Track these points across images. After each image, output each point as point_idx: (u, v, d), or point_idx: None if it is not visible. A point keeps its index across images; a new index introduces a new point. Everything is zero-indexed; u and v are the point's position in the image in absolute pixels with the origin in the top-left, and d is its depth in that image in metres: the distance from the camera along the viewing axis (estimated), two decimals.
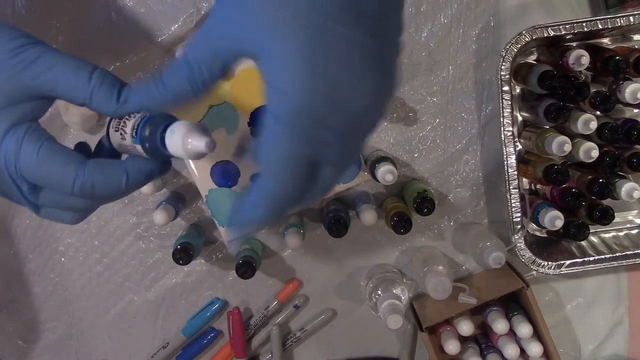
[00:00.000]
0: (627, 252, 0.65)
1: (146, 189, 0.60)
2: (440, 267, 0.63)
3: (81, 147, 0.39)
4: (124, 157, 0.38)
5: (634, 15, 0.59)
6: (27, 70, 0.34)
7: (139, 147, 0.35)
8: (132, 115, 0.36)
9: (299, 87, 0.29)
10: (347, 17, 0.29)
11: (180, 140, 0.33)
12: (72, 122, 0.63)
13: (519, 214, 0.63)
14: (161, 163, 0.37)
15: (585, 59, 0.59)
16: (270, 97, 0.30)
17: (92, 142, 0.39)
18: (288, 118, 0.29)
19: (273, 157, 0.31)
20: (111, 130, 0.37)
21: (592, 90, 0.60)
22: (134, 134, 0.35)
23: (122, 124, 0.36)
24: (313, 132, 0.30)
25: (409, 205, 0.64)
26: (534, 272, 0.68)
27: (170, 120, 0.35)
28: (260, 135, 0.31)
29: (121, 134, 0.36)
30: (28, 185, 0.35)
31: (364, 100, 0.30)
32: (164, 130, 0.34)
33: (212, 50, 0.32)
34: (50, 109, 0.37)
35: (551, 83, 0.58)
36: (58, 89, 0.35)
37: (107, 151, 0.38)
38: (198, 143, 0.33)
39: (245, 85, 0.58)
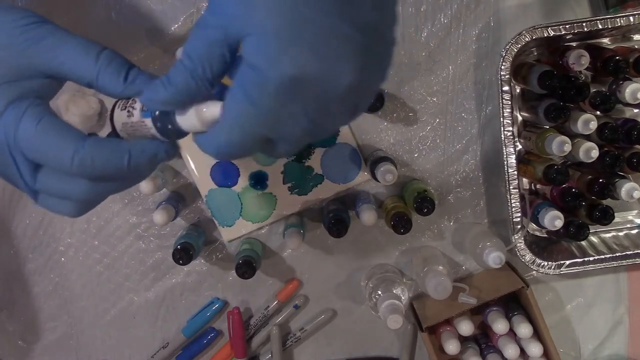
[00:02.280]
0: (627, 252, 0.65)
1: (146, 189, 0.60)
2: (440, 267, 0.63)
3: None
4: None
5: (634, 15, 0.59)
6: (35, 48, 0.35)
7: (148, 121, 0.35)
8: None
9: (268, 64, 0.29)
10: (330, 5, 0.29)
11: (194, 110, 0.33)
12: (72, 122, 0.63)
13: (519, 214, 0.63)
14: (167, 144, 0.36)
15: (585, 59, 0.59)
16: (242, 70, 0.31)
17: None
18: (253, 92, 0.30)
19: (229, 123, 0.32)
20: (117, 111, 0.36)
21: (592, 90, 0.60)
22: (144, 108, 0.35)
23: (130, 102, 0.36)
24: (274, 110, 0.31)
25: (409, 205, 0.64)
26: (534, 272, 0.68)
27: None
28: (225, 99, 0.32)
29: (129, 111, 0.36)
30: (27, 163, 0.34)
31: (336, 89, 0.31)
32: None
33: (206, 43, 0.32)
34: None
35: (551, 83, 0.58)
36: (65, 68, 0.35)
37: None
38: (213, 109, 0.33)
39: None
